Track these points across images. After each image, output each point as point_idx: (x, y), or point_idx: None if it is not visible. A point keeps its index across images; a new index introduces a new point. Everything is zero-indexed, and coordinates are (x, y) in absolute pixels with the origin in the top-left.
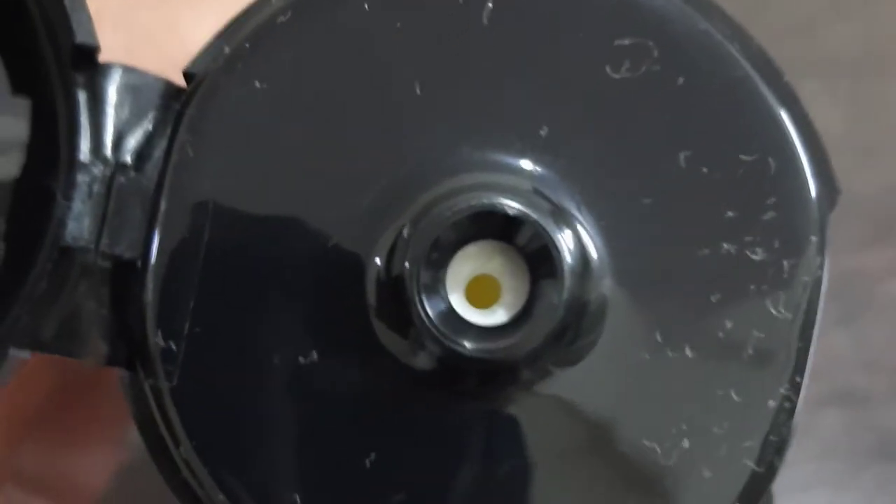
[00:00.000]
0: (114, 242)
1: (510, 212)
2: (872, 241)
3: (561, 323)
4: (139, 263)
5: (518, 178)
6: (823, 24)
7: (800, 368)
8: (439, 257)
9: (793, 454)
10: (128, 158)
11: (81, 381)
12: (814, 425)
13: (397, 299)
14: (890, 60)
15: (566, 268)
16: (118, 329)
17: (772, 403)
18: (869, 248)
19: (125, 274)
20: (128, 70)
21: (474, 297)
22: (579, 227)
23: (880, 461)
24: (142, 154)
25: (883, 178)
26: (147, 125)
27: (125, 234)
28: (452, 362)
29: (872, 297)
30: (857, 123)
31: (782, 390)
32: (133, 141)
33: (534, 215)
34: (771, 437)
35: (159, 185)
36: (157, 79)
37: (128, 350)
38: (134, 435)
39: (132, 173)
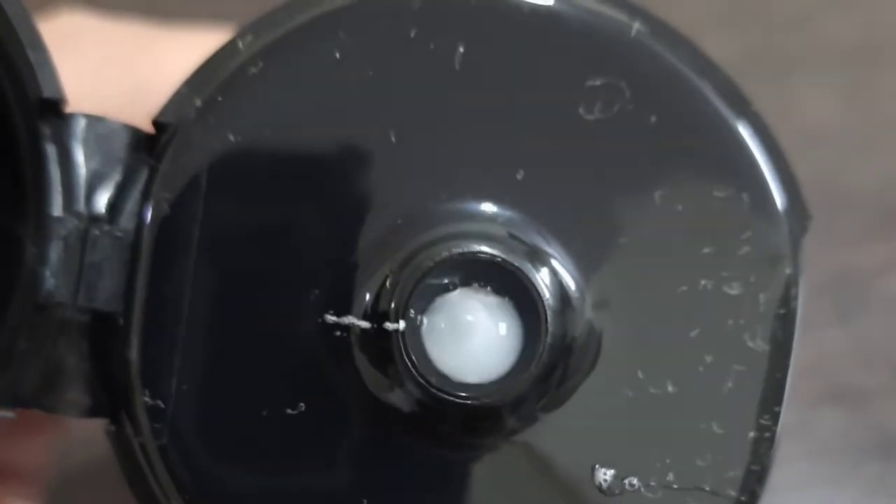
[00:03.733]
0: (91, 296)
1: (484, 258)
2: (869, 236)
3: (544, 367)
4: (120, 318)
5: (494, 224)
6: (820, 15)
7: (778, 398)
8: (421, 303)
9: (789, 452)
10: (101, 210)
11: None
12: (810, 423)
13: (382, 344)
14: (887, 52)
15: (547, 306)
16: (100, 382)
17: (753, 434)
18: (866, 243)
19: (104, 327)
20: (94, 120)
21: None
22: (557, 267)
23: (878, 458)
24: (114, 206)
25: (881, 172)
26: (117, 176)
27: (102, 287)
28: (434, 406)
29: (869, 293)
30: (855, 117)
31: (762, 421)
32: (104, 192)
33: (510, 259)
34: (753, 467)
35: (137, 242)
36: (125, 127)
37: (112, 403)
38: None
39: (106, 226)
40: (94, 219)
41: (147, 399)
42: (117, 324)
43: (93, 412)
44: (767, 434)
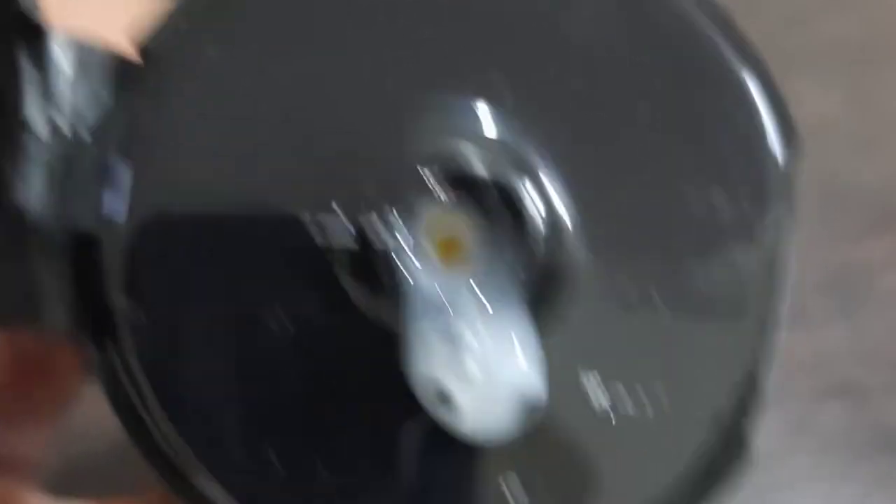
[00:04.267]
0: (70, 213)
1: (473, 167)
2: (871, 232)
3: (530, 278)
4: (98, 234)
5: (484, 136)
6: (820, 14)
7: (774, 317)
8: (405, 216)
9: (790, 448)
10: (82, 130)
11: (27, 363)
12: (812, 418)
13: (367, 261)
14: (887, 50)
15: (533, 221)
16: (79, 301)
17: (749, 353)
18: (867, 239)
19: (83, 245)
20: (77, 43)
21: (443, 254)
22: (544, 182)
23: (879, 454)
24: (96, 125)
25: (881, 170)
26: (100, 97)
27: (82, 205)
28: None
29: (871, 289)
30: (856, 114)
31: (758, 339)
32: (87, 113)
33: (499, 169)
34: (749, 387)
35: (116, 156)
36: (108, 50)
37: (91, 322)
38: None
39: (87, 144)
40: (75, 137)
41: (125, 310)
42: (99, 243)
43: (71, 333)
44: (763, 353)
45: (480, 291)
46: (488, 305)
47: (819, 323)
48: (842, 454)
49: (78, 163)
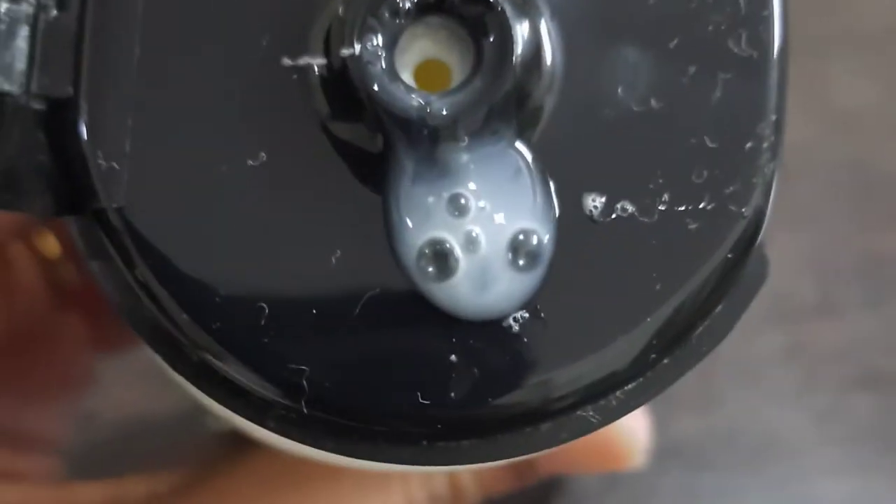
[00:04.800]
0: (44, 82)
1: None
2: None
3: (516, 75)
4: (76, 99)
5: None
6: (855, 0)
7: (775, 106)
8: (382, 32)
9: (820, 438)
10: (49, 1)
11: (31, 333)
12: (842, 409)
13: (344, 83)
14: None
15: (512, 17)
16: (59, 174)
17: (750, 144)
18: None
19: (60, 116)
20: None
21: (424, 84)
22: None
23: None
24: None
25: None
26: None
27: (55, 71)
28: (401, 135)
29: None
30: (889, 100)
31: (759, 130)
32: None
33: None
34: (754, 180)
35: (82, 10)
36: None
37: (72, 194)
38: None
39: (55, 11)
40: (42, 6)
41: (101, 162)
42: (77, 109)
43: (55, 210)
44: (766, 144)
45: (470, 130)
46: (483, 149)
47: (848, 312)
48: (871, 444)
49: (47, 30)
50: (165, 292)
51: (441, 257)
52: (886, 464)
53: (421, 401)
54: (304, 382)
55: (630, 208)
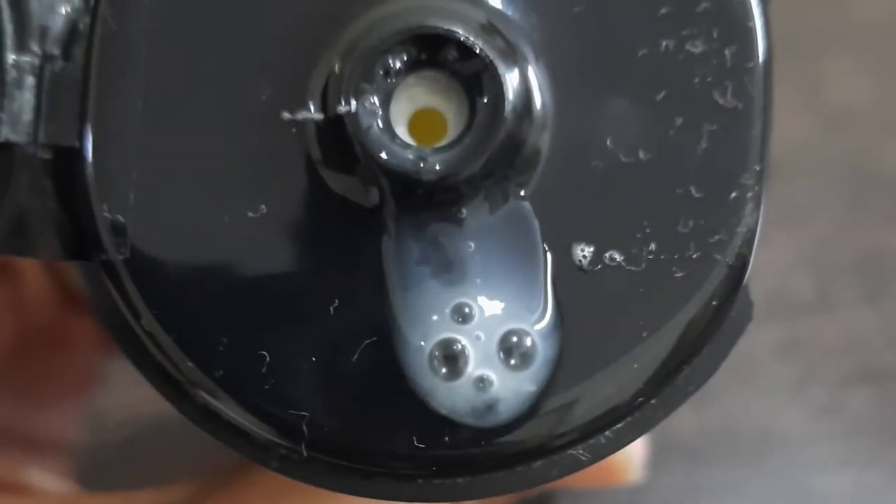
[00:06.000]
0: (51, 131)
1: (440, 31)
2: None
3: (507, 129)
4: (81, 148)
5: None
6: None
7: (759, 156)
8: (377, 88)
9: (818, 432)
10: (55, 49)
11: (41, 337)
12: (840, 403)
13: (337, 137)
14: None
15: (503, 73)
16: (67, 220)
17: (734, 194)
18: (895, 223)
19: (67, 163)
20: None
21: (419, 134)
22: (522, 51)
23: None
24: (68, 42)
25: None
26: (69, 13)
27: (61, 121)
28: (395, 190)
29: None
30: (886, 97)
31: (743, 180)
32: (57, 30)
33: (461, 29)
34: (738, 229)
35: (87, 62)
36: None
37: (79, 239)
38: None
39: (61, 62)
40: (49, 56)
41: (106, 214)
42: (83, 158)
43: (63, 255)
44: (750, 194)
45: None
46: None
47: (847, 307)
48: (869, 439)
49: (54, 80)
50: (170, 341)
51: (451, 359)
52: (884, 457)
53: (417, 444)
54: (305, 427)
55: (618, 258)
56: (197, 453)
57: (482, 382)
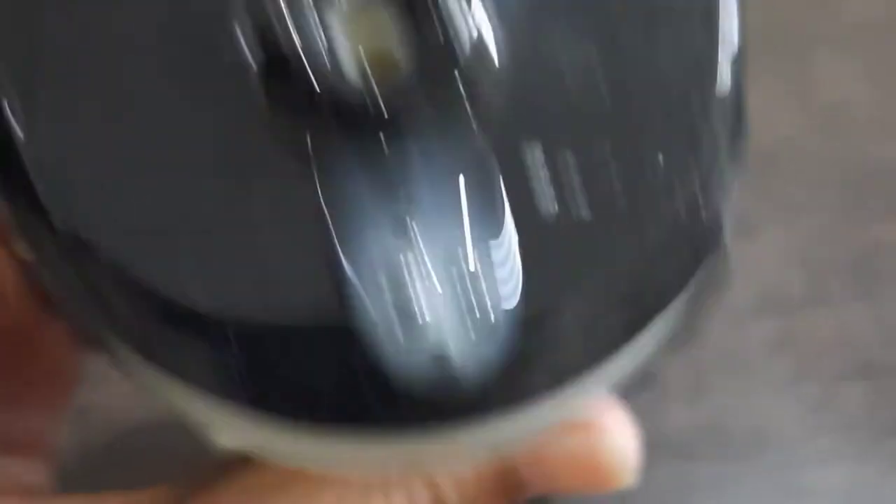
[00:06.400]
0: None
1: None
2: (892, 212)
3: (460, 52)
4: None
5: None
6: None
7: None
8: (321, 16)
9: (812, 427)
10: None
11: (14, 338)
12: (834, 399)
13: (282, 70)
14: None
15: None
16: None
17: (704, 125)
18: (890, 219)
19: None
20: None
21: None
22: None
23: None
24: None
25: None
26: None
27: None
28: (353, 126)
29: (893, 270)
30: (879, 94)
31: (712, 114)
32: None
33: None
34: (711, 171)
35: None
36: None
37: None
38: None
39: None
40: None
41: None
42: None
43: None
44: (720, 140)
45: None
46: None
47: (841, 303)
48: (863, 434)
49: None
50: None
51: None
52: (878, 452)
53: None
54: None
55: (572, 162)
56: (180, 455)
57: (432, 323)
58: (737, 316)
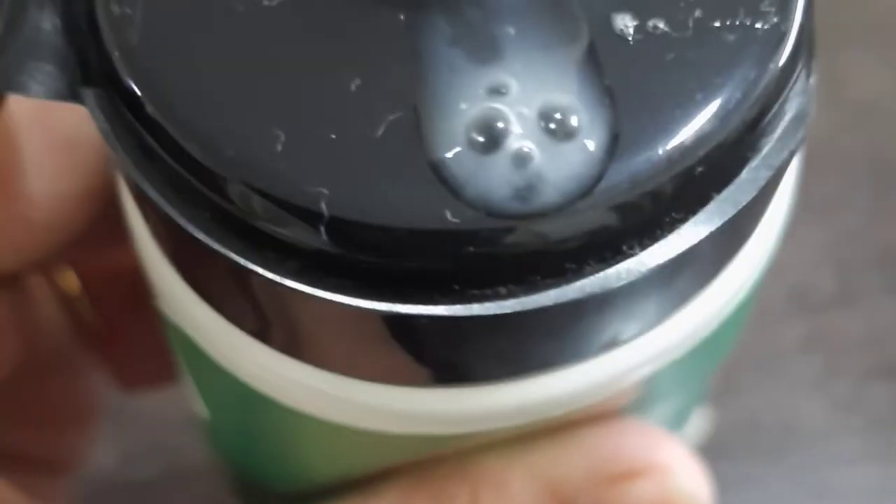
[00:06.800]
0: None
1: None
2: None
3: None
4: None
5: None
6: None
7: None
8: None
9: (840, 427)
10: None
11: (46, 363)
12: (861, 398)
13: None
14: None
15: None
16: (73, 53)
17: None
18: None
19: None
20: None
21: None
22: None
23: None
24: None
25: None
26: None
27: None
28: None
29: None
30: None
31: None
32: None
33: None
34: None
35: None
36: None
37: (85, 69)
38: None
39: None
40: None
41: (114, 7)
42: None
43: (68, 93)
44: None
45: None
46: None
47: (869, 301)
48: (892, 433)
49: None
50: (175, 126)
51: (489, 130)
52: None
53: (452, 220)
54: (324, 205)
55: (662, 25)
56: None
57: (522, 157)
58: (767, 315)
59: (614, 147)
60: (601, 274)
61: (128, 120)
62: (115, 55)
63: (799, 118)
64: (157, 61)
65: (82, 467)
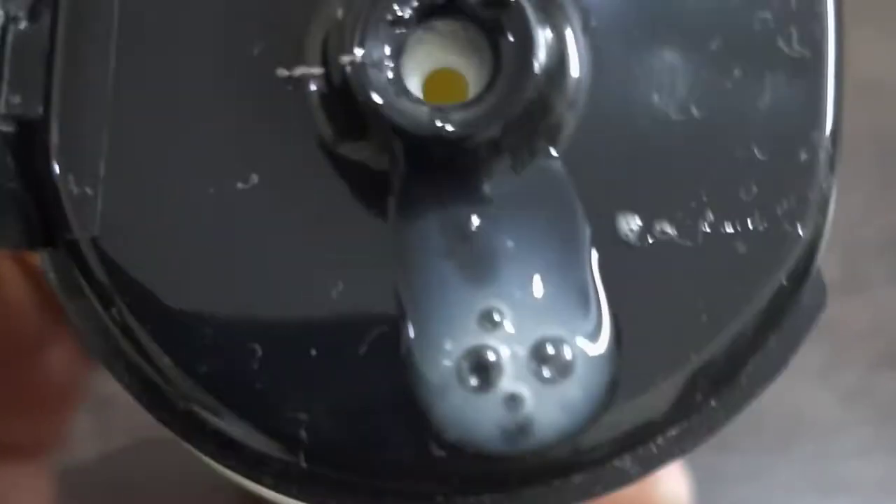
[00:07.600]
0: (13, 102)
1: None
2: None
3: (536, 85)
4: (46, 120)
5: None
6: None
7: (832, 112)
8: (386, 38)
9: (850, 417)
10: (18, 10)
11: (20, 346)
12: (871, 387)
13: (342, 97)
14: None
15: (530, 15)
16: (30, 203)
17: (804, 156)
18: None
19: (30, 138)
20: None
21: (435, 98)
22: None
23: None
24: (34, 4)
25: None
26: None
27: (24, 90)
28: (408, 153)
29: None
30: None
31: (814, 138)
32: None
33: None
34: (810, 195)
35: (53, 24)
36: None
37: (45, 224)
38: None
39: (24, 23)
40: (12, 18)
41: (73, 187)
42: (47, 130)
43: (27, 241)
44: (822, 154)
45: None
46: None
47: (875, 289)
48: None
49: (16, 45)
50: (145, 333)
51: (482, 370)
52: None
53: (436, 453)
54: (303, 433)
55: (670, 231)
56: (175, 476)
57: (514, 400)
58: None
59: (613, 387)
60: (586, 481)
61: (93, 306)
62: (81, 244)
63: (808, 317)
64: (124, 256)
65: (61, 451)
